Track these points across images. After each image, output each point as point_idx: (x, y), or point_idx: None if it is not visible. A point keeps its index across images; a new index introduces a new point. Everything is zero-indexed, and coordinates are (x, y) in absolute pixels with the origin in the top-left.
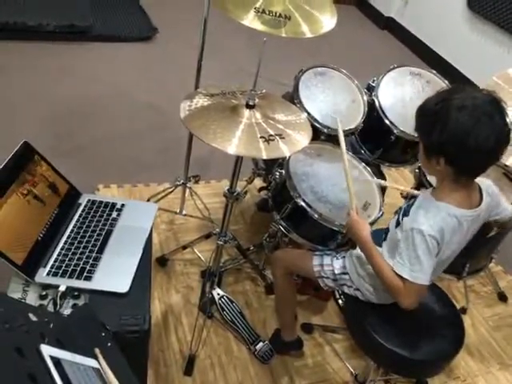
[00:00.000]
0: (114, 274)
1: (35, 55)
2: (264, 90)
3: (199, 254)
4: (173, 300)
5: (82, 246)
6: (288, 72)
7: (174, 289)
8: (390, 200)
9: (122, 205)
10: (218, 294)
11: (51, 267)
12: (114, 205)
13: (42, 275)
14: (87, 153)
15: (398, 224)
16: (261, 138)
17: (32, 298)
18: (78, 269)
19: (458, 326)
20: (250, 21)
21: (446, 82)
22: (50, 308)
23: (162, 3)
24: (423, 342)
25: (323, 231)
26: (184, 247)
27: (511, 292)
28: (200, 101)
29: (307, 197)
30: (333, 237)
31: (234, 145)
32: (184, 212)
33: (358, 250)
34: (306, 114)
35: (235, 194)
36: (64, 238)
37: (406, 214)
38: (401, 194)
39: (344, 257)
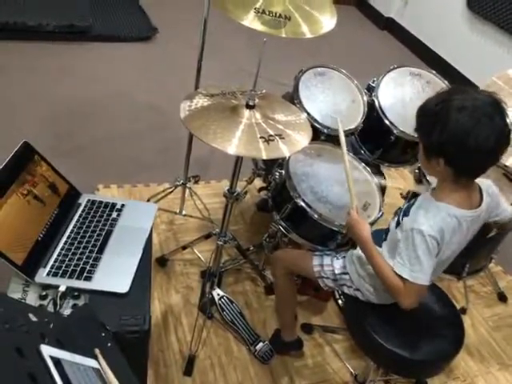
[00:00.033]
0: (114, 274)
1: (35, 55)
2: (264, 90)
3: (199, 255)
4: (173, 300)
5: (81, 246)
6: (288, 72)
7: (173, 289)
8: (389, 200)
9: (122, 205)
10: (218, 295)
11: (51, 267)
12: (113, 205)
13: (42, 275)
14: (87, 153)
15: (398, 224)
16: (261, 138)
17: (32, 298)
18: (78, 269)
19: (458, 326)
20: (250, 21)
21: (446, 82)
22: (50, 308)
23: (162, 3)
24: (423, 343)
25: (323, 231)
26: (184, 247)
27: (511, 292)
28: (200, 101)
29: (307, 197)
30: (333, 237)
31: (233, 145)
32: (184, 212)
33: (358, 250)
34: (305, 114)
35: (235, 194)
36: (64, 238)
37: (406, 214)
38: (401, 194)
39: (344, 257)
